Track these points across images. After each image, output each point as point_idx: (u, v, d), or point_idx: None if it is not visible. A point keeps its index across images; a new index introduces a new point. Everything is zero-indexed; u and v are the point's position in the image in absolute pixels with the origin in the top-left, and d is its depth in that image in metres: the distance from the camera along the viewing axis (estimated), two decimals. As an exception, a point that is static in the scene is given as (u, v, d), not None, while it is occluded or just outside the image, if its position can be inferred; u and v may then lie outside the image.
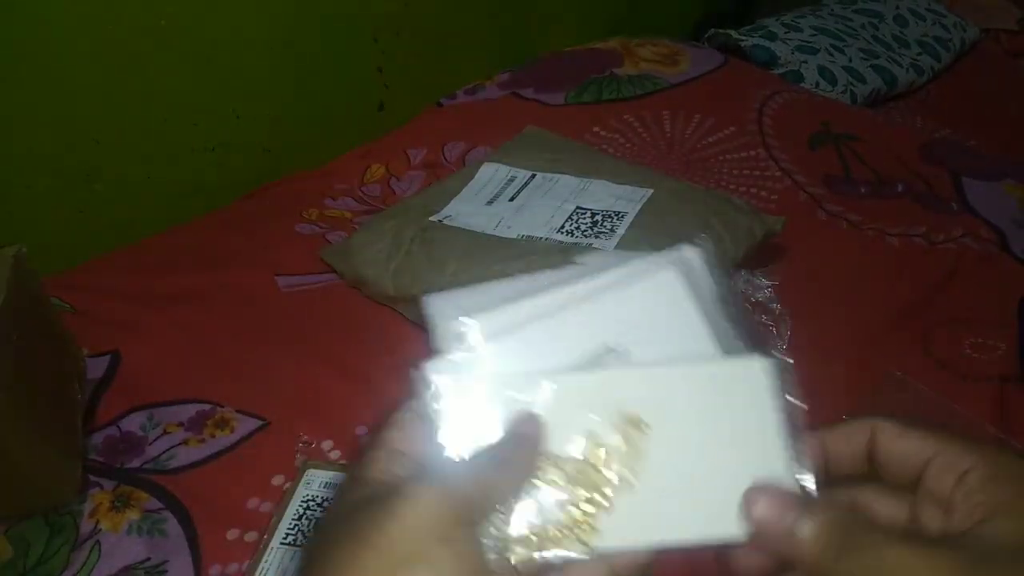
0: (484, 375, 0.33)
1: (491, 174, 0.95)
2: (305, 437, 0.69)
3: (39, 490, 0.61)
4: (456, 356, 0.34)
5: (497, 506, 0.31)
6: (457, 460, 0.32)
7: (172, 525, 0.62)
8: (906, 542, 0.28)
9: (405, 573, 0.27)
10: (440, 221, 0.87)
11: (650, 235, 0.81)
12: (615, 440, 0.32)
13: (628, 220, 0.83)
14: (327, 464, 0.66)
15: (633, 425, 0.32)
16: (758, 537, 0.31)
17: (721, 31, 1.46)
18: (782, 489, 0.31)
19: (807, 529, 0.29)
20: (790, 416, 0.33)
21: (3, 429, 0.54)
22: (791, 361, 0.33)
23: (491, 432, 0.32)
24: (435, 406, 0.32)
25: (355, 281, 0.84)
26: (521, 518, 0.31)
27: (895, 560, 0.27)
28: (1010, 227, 0.99)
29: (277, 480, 0.66)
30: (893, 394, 0.74)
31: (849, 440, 0.32)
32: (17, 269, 0.61)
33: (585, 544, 0.31)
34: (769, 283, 0.61)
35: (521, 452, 0.32)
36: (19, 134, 0.85)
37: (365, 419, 0.71)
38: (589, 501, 0.31)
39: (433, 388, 0.33)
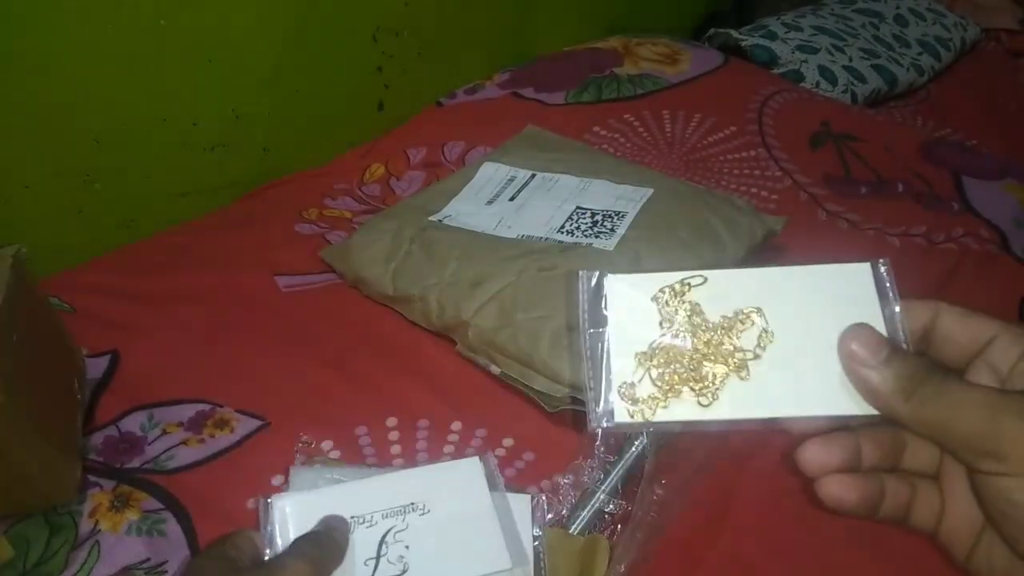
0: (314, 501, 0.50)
1: (491, 174, 0.95)
2: (305, 437, 0.68)
3: (39, 490, 0.60)
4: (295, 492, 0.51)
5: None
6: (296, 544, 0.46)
7: (172, 525, 0.62)
8: (977, 387, 0.31)
9: None
10: (440, 221, 0.87)
11: (650, 235, 0.81)
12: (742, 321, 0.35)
13: (628, 220, 0.83)
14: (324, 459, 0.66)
15: (756, 312, 0.35)
16: (848, 372, 0.33)
17: (721, 31, 1.45)
18: (877, 332, 0.33)
19: (892, 369, 0.32)
20: (884, 301, 0.36)
21: (3, 429, 0.54)
22: (888, 260, 0.37)
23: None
24: (273, 529, 0.47)
25: (355, 281, 0.84)
26: (647, 380, 0.34)
27: (969, 397, 0.30)
28: (1010, 227, 0.99)
29: (277, 480, 0.65)
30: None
31: (911, 317, 0.34)
32: (16, 269, 0.61)
33: (705, 407, 0.33)
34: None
35: (332, 539, 0.47)
36: (19, 134, 0.85)
37: (365, 419, 0.71)
38: (719, 363, 0.34)
39: (278, 513, 0.47)
